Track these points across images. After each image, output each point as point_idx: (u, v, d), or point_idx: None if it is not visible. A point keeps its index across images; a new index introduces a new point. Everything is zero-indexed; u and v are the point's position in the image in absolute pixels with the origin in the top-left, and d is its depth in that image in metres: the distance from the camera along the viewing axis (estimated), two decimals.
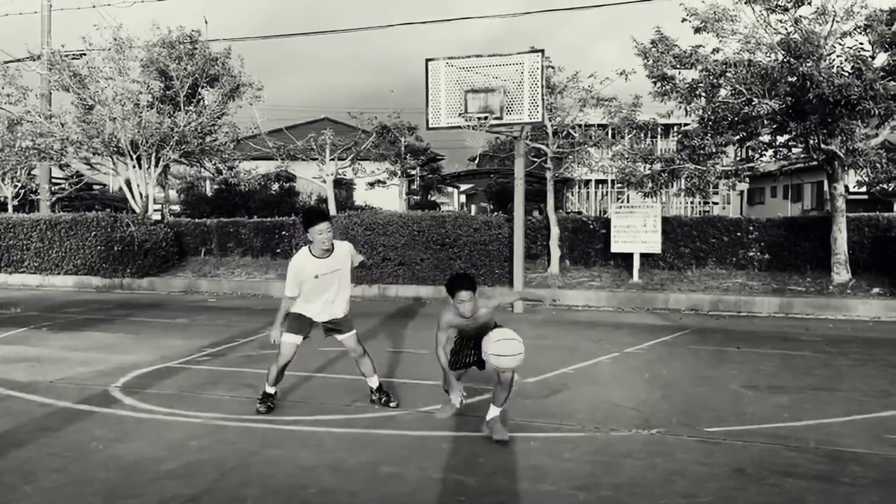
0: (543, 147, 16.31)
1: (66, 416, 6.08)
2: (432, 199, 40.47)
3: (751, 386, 7.27)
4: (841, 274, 13.89)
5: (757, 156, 15.21)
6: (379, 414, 6.17)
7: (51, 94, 20.29)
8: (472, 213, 28.62)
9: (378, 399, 6.42)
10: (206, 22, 25.25)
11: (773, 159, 15.49)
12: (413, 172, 27.96)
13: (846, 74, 12.53)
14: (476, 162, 45.82)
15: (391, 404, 6.36)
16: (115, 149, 18.54)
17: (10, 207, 25.56)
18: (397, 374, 7.79)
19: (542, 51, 12.43)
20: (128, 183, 19.32)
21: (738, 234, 15.54)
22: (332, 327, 6.30)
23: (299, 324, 6.21)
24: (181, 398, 6.69)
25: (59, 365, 8.24)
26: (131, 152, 18.40)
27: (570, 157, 17.30)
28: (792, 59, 12.75)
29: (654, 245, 14.96)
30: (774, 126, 14.10)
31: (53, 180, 25.05)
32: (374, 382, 6.47)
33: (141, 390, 6.97)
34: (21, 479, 4.55)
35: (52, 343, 9.80)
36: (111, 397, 6.71)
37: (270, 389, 6.31)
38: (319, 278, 6.05)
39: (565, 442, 5.41)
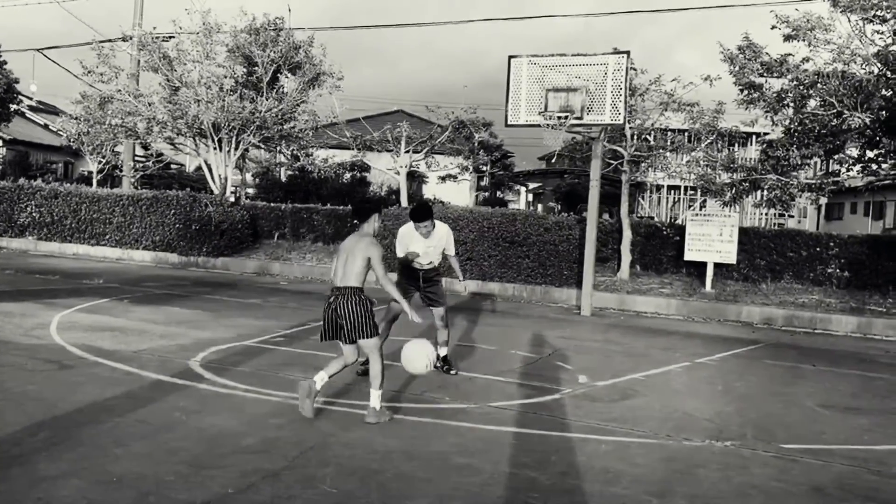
0: (620, 149, 16.11)
1: (151, 385, 6.32)
2: (501, 196, 40.42)
3: (828, 405, 7.09)
4: None
5: (843, 170, 14.73)
6: (450, 406, 6.24)
7: (139, 74, 20.94)
8: (539, 212, 28.48)
9: (442, 367, 7.43)
10: (290, 10, 25.67)
11: (861, 174, 14.99)
12: (484, 169, 27.95)
13: None
14: (546, 161, 45.55)
15: (451, 372, 7.44)
16: (198, 130, 19.06)
17: (94, 182, 26.56)
18: (468, 369, 7.83)
19: (628, 53, 12.29)
20: (207, 164, 19.86)
21: (818, 249, 15.11)
22: (431, 299, 7.55)
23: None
24: (258, 376, 6.88)
25: (141, 336, 8.55)
26: (213, 135, 18.90)
27: (647, 160, 17.06)
28: (889, 73, 12.33)
29: (730, 255, 14.63)
30: (864, 140, 13.66)
31: (135, 158, 25.90)
32: (442, 352, 7.52)
33: (219, 366, 7.19)
34: (112, 443, 4.76)
35: (133, 315, 10.16)
36: (192, 371, 6.94)
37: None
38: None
39: (637, 447, 5.37)
